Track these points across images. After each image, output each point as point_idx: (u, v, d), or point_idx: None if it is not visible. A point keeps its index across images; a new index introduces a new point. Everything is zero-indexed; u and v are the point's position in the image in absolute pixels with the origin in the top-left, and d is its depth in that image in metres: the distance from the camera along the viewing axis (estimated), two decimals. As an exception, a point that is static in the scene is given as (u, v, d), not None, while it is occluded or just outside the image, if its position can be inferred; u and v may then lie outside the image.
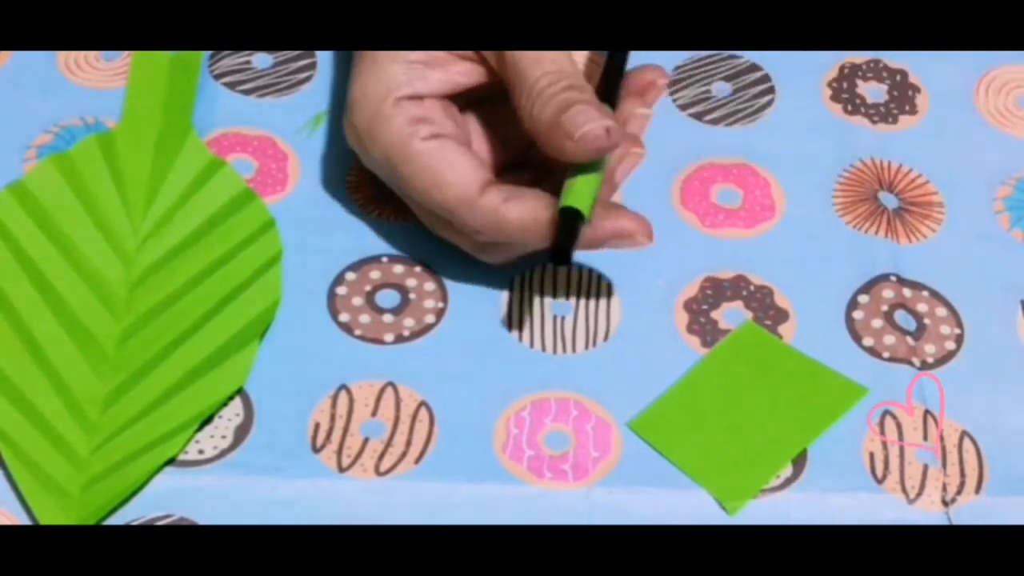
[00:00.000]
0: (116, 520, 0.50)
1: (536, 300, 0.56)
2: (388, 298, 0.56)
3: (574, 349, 0.55)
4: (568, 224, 0.50)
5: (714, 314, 0.56)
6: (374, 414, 0.53)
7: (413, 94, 0.54)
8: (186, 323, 0.54)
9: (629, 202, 0.58)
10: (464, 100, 0.56)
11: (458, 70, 0.55)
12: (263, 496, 0.50)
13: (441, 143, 0.53)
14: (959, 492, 0.51)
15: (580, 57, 0.56)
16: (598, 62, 0.55)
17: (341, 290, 0.56)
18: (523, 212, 0.52)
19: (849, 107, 0.62)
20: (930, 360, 0.55)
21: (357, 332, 0.55)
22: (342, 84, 0.62)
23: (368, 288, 0.56)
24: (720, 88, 0.63)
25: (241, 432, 0.52)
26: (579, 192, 0.51)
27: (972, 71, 0.63)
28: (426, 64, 0.54)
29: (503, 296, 0.56)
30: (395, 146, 0.53)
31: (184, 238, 0.56)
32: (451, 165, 0.53)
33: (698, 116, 0.61)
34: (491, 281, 0.56)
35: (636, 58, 0.62)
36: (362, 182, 0.59)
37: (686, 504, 0.51)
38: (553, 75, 0.52)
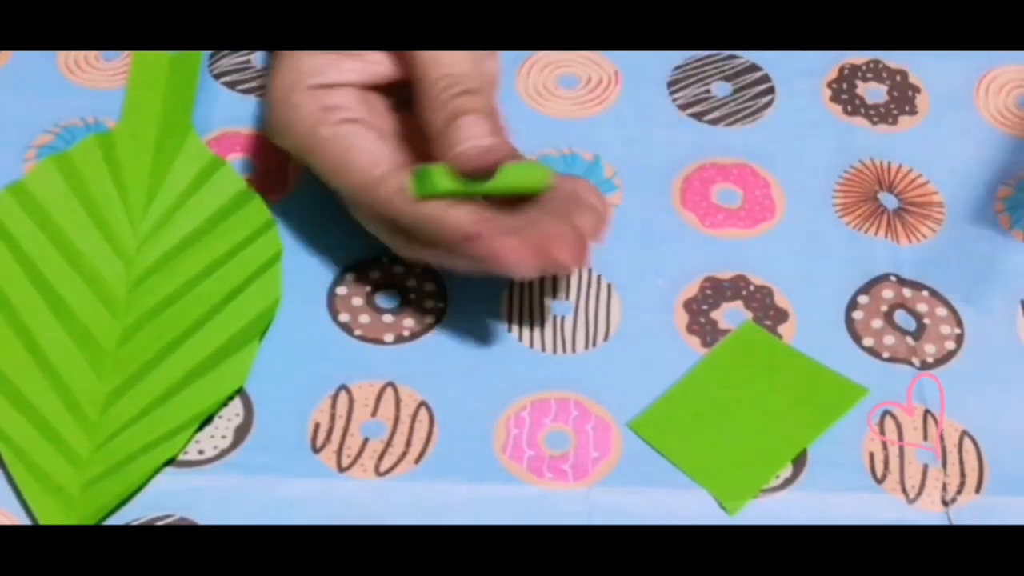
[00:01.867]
0: (116, 520, 0.50)
1: (536, 300, 0.56)
2: (388, 298, 0.56)
3: (574, 349, 0.55)
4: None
5: (714, 314, 0.56)
6: (374, 414, 0.53)
7: (324, 83, 0.53)
8: (186, 323, 0.54)
9: (629, 201, 0.59)
10: (400, 99, 0.55)
11: (374, 59, 0.54)
12: (263, 496, 0.50)
13: (350, 128, 0.52)
14: (959, 492, 0.51)
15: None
16: None
17: (341, 290, 0.56)
18: (419, 205, 0.50)
19: (849, 108, 0.62)
20: (930, 360, 0.55)
21: (357, 332, 0.55)
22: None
23: (368, 288, 0.56)
24: (720, 88, 0.63)
25: (241, 432, 0.52)
26: (432, 171, 0.50)
27: (972, 71, 0.63)
28: (340, 53, 0.53)
29: (503, 296, 0.56)
30: (304, 135, 0.53)
31: (184, 238, 0.56)
32: (356, 149, 0.52)
33: (698, 116, 0.61)
34: (491, 281, 0.56)
35: (637, 58, 0.63)
36: (362, 182, 0.59)
37: (686, 504, 0.51)
38: (449, 79, 0.51)
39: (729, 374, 0.54)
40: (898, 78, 0.63)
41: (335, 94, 0.53)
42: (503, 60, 0.56)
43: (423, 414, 0.53)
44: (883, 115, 0.62)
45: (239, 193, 0.57)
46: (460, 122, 0.50)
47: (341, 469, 0.51)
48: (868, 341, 0.55)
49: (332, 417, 0.52)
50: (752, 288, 0.56)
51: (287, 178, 0.59)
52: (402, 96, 0.54)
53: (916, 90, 0.63)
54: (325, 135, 0.52)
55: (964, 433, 0.53)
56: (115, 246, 0.56)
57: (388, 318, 0.55)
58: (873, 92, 0.63)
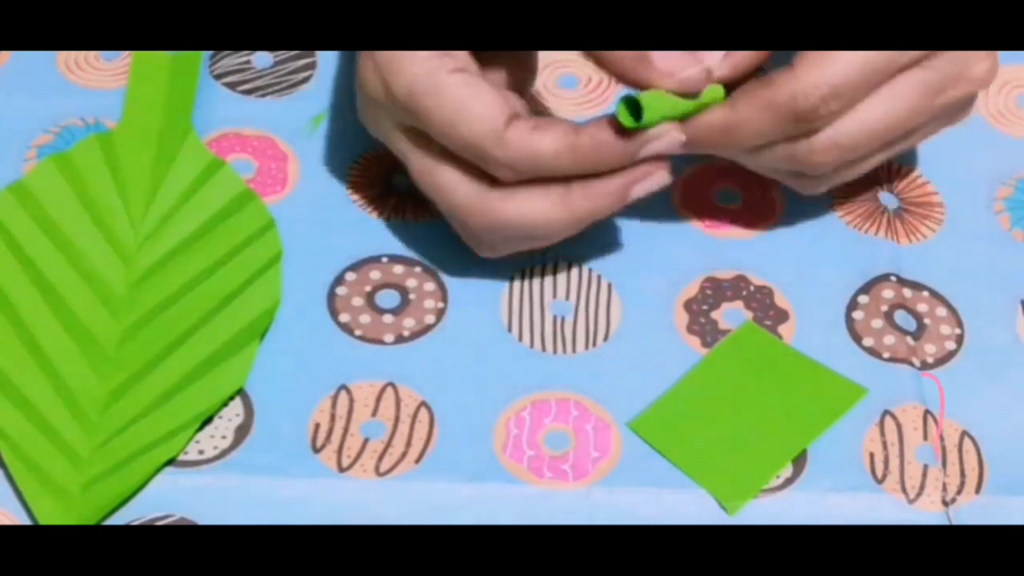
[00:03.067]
0: (116, 520, 0.50)
1: (536, 300, 0.56)
2: (388, 298, 0.56)
3: (574, 349, 0.55)
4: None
5: (714, 314, 0.56)
6: (374, 414, 0.53)
7: None
8: (186, 323, 0.54)
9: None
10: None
11: None
12: (263, 496, 0.50)
13: (467, 77, 0.51)
14: (959, 492, 0.51)
15: None
16: None
17: (341, 290, 0.56)
18: (555, 139, 0.51)
19: (849, 107, 0.62)
20: (930, 360, 0.55)
21: (357, 332, 0.55)
22: (342, 84, 0.62)
23: (368, 288, 0.56)
24: (720, 88, 0.62)
25: (241, 432, 0.52)
26: (649, 95, 0.51)
27: (972, 71, 0.63)
28: None
29: (503, 296, 0.56)
30: (421, 77, 0.51)
31: (184, 238, 0.56)
32: (478, 97, 0.51)
33: (698, 116, 0.61)
34: (491, 281, 0.56)
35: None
36: (362, 182, 0.59)
37: (686, 504, 0.51)
38: None
39: (729, 374, 0.54)
40: (898, 78, 0.63)
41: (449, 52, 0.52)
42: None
43: (423, 414, 0.53)
44: (883, 115, 0.62)
45: (239, 194, 0.57)
46: (655, 54, 0.52)
47: (341, 469, 0.51)
48: (868, 341, 0.55)
49: (332, 417, 0.52)
50: (752, 288, 0.56)
51: (287, 178, 0.59)
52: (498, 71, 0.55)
53: (916, 90, 0.63)
54: (445, 80, 0.51)
55: (964, 433, 0.53)
56: (115, 246, 0.56)
57: (388, 318, 0.55)
58: (873, 92, 0.62)
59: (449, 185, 0.53)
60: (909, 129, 0.54)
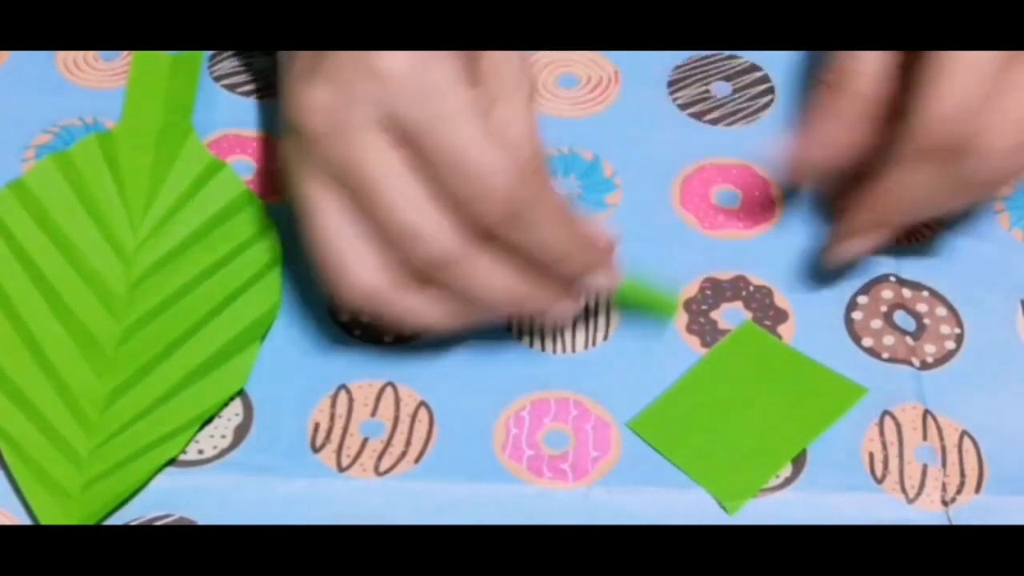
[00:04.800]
0: (116, 520, 0.50)
1: (536, 300, 0.56)
2: (388, 298, 0.56)
3: (574, 349, 0.55)
4: None
5: (714, 314, 0.56)
6: (373, 414, 0.53)
7: None
8: (186, 324, 0.54)
9: (629, 201, 0.59)
10: None
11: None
12: (262, 496, 0.50)
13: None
14: (959, 492, 0.51)
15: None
16: None
17: (341, 290, 0.56)
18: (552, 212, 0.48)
19: (849, 107, 0.62)
20: (930, 360, 0.55)
21: (357, 332, 0.55)
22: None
23: (368, 288, 0.56)
24: (720, 88, 0.63)
25: (241, 432, 0.52)
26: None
27: (972, 71, 0.63)
28: None
29: (503, 296, 0.56)
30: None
31: (184, 239, 0.56)
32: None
33: (698, 116, 0.61)
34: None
35: (637, 58, 0.63)
36: (362, 182, 0.59)
37: (686, 504, 0.51)
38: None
39: (729, 374, 0.54)
40: (898, 78, 0.63)
41: None
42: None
43: (423, 414, 0.53)
44: (883, 115, 0.62)
45: (239, 196, 0.57)
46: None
47: (341, 469, 0.51)
48: (868, 341, 0.55)
49: (332, 417, 0.52)
50: (752, 288, 0.56)
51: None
52: None
53: (916, 90, 0.63)
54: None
55: (964, 433, 0.53)
56: (115, 246, 0.56)
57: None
58: (873, 92, 0.62)
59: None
60: None
